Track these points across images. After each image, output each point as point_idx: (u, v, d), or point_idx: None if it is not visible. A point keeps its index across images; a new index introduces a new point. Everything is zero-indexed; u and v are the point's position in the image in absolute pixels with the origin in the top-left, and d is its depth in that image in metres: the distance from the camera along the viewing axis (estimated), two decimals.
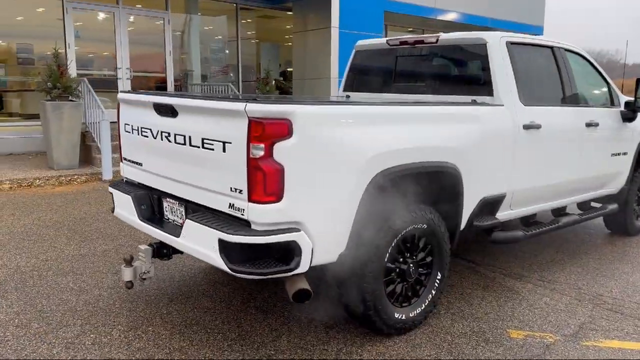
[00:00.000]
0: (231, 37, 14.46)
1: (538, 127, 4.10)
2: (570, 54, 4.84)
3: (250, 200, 2.63)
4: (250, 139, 2.58)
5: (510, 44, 4.13)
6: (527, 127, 4.00)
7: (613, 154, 5.09)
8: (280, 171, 2.59)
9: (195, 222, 2.86)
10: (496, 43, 4.00)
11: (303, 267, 2.74)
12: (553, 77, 4.52)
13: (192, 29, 14.06)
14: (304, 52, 14.08)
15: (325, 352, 3.14)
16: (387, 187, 3.10)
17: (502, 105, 3.91)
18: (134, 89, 12.60)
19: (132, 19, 12.59)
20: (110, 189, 3.71)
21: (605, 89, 5.21)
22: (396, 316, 3.27)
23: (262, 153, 2.57)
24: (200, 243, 2.83)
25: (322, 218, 2.78)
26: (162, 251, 3.44)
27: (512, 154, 3.93)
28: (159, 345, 3.14)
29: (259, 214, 2.62)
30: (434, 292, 3.50)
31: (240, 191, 2.67)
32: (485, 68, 3.98)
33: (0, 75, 11.76)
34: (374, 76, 4.93)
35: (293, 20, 14.41)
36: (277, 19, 15.61)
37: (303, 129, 2.64)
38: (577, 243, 5.55)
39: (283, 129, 2.59)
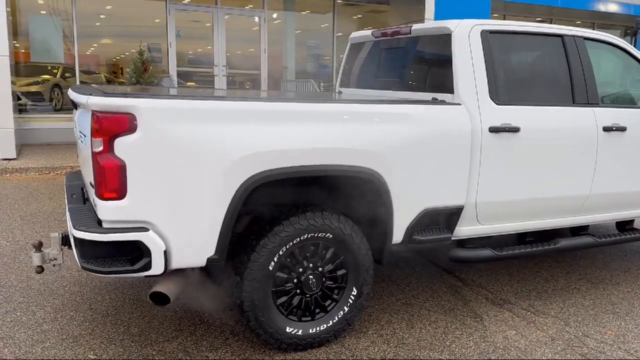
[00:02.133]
0: (327, 34, 14.49)
1: (515, 130, 3.49)
2: (597, 43, 4.04)
3: (96, 196, 2.59)
4: (92, 133, 2.54)
5: (489, 34, 3.57)
6: (495, 130, 3.42)
7: None
8: (120, 167, 2.51)
9: None
10: (462, 33, 3.48)
11: (156, 269, 2.63)
12: (557, 71, 3.81)
13: (288, 26, 14.36)
14: None
15: (206, 359, 3.00)
16: (271, 190, 2.86)
17: (460, 104, 3.39)
18: (229, 86, 13.27)
19: (229, 18, 13.21)
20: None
21: None
22: (288, 330, 3.01)
23: (101, 148, 2.51)
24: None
25: (176, 220, 2.64)
26: (69, 240, 3.52)
27: (472, 160, 3.38)
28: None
29: (103, 210, 2.57)
30: (346, 308, 3.15)
31: (93, 186, 2.65)
32: (448, 62, 3.48)
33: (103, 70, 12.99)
34: (363, 71, 4.58)
35: (390, 15, 14.04)
36: (377, 14, 15.30)
37: (148, 125, 2.52)
38: (615, 271, 4.64)
39: (124, 124, 2.50)
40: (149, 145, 2.54)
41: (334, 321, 3.13)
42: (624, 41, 4.12)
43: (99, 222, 2.62)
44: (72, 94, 3.07)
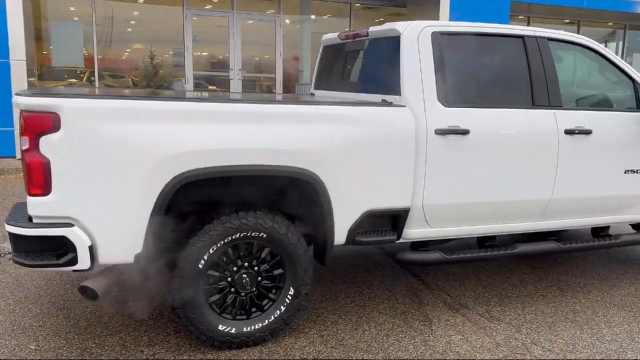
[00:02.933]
0: None
1: (464, 132, 3.44)
2: (564, 44, 3.95)
3: (26, 192, 2.70)
4: (20, 132, 2.65)
5: (442, 35, 3.53)
6: (442, 132, 3.38)
7: (629, 171, 4.00)
8: (45, 164, 2.61)
9: None
10: (411, 35, 3.46)
11: (83, 264, 2.72)
12: (516, 73, 3.75)
13: (304, 30, 14.45)
14: None
15: (141, 353, 3.07)
16: (200, 189, 2.92)
17: (405, 106, 3.37)
18: (244, 89, 13.44)
19: (245, 22, 13.40)
20: None
21: (627, 88, 4.12)
22: (221, 328, 3.05)
23: (27, 146, 2.62)
24: None
25: (102, 216, 2.72)
26: None
27: (417, 162, 3.36)
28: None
29: (31, 206, 2.68)
30: (283, 308, 3.17)
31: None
32: (398, 64, 3.47)
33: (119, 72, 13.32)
34: (332, 73, 4.59)
35: (408, 18, 13.97)
36: (394, 17, 15.23)
37: (72, 124, 2.62)
38: (591, 278, 4.49)
39: (47, 122, 2.60)
40: (73, 143, 2.63)
41: (270, 320, 3.15)
42: (595, 42, 4.00)
43: (30, 218, 2.73)
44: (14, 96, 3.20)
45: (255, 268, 3.11)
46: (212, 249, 2.96)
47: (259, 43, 13.89)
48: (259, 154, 2.94)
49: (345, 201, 3.21)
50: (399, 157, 3.31)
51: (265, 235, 3.04)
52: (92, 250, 2.71)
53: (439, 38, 3.51)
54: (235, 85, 13.21)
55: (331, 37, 4.56)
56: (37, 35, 11.68)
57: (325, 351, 3.15)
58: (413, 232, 3.53)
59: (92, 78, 12.54)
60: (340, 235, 3.28)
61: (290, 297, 3.18)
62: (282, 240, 3.08)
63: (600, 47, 4.01)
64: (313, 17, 14.50)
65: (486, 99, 3.63)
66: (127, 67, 12.88)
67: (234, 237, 2.99)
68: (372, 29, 3.83)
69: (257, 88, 13.97)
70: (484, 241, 3.90)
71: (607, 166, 3.93)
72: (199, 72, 12.96)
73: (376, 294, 4.01)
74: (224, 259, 3.04)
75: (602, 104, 4.19)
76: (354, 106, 3.27)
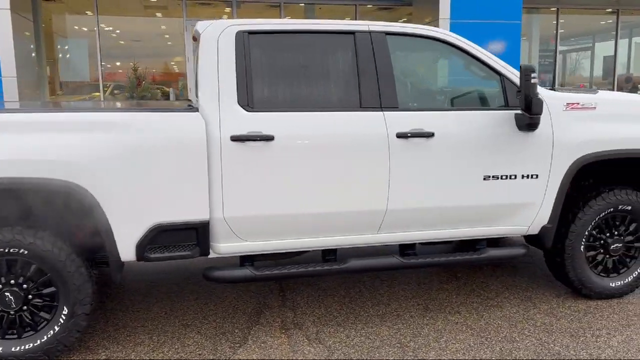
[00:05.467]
0: None
1: (267, 138, 3.16)
2: (411, 39, 3.57)
3: None
4: None
5: (250, 34, 3.29)
6: (240, 138, 3.12)
7: (489, 177, 3.54)
8: None
9: None
10: (210, 35, 3.24)
11: None
12: (340, 73, 3.41)
13: None
14: None
15: None
16: None
17: (197, 110, 3.15)
18: None
19: None
20: None
21: (494, 84, 3.66)
22: (13, 350, 2.97)
23: None
24: None
25: None
26: None
27: (212, 171, 3.12)
28: None
29: None
30: (57, 328, 3.03)
31: None
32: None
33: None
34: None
35: (414, 16, 13.47)
36: (397, 16, 14.74)
37: None
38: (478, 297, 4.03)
39: None
40: None
41: (43, 340, 3.02)
42: (454, 35, 3.57)
43: None
44: None
45: (23, 286, 2.99)
46: None
47: None
48: (12, 165, 2.83)
49: (126, 215, 3.03)
50: (188, 166, 3.08)
51: (27, 252, 2.92)
52: None
53: (245, 37, 3.26)
54: None
55: None
56: (48, 53, 12.32)
57: None
58: (223, 246, 3.28)
59: (116, 91, 13.04)
60: (126, 251, 3.10)
61: (64, 317, 3.03)
62: (47, 257, 2.95)
63: (459, 39, 3.57)
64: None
65: (298, 102, 3.31)
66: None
67: None
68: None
69: None
70: (325, 255, 3.58)
71: (459, 173, 3.48)
72: None
73: (217, 311, 3.78)
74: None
75: (457, 102, 3.75)
76: (128, 112, 3.09)
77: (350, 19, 13.84)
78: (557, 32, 15.17)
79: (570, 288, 3.94)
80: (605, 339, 3.34)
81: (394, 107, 3.41)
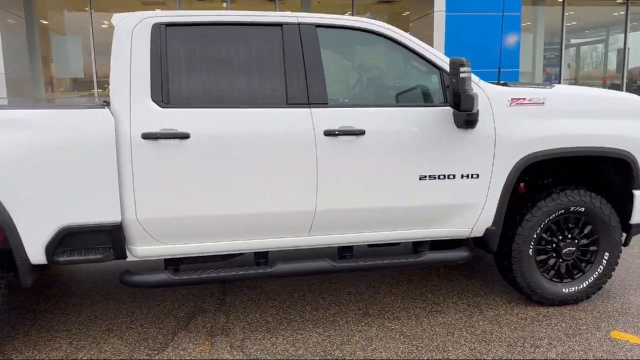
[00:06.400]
0: None
1: (182, 136, 3.02)
2: (347, 32, 3.39)
3: None
4: None
5: (168, 27, 3.14)
6: (152, 136, 2.98)
7: (425, 177, 3.35)
8: None
9: None
10: (125, 28, 3.11)
11: None
12: (264, 67, 3.23)
13: None
14: None
15: None
16: None
17: (105, 107, 3.01)
18: None
19: None
20: None
21: (432, 80, 3.46)
22: None
23: None
24: None
25: None
26: None
27: (122, 171, 2.98)
28: None
29: None
30: None
31: None
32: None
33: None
34: None
35: (410, 9, 13.22)
36: (397, 9, 14.49)
37: None
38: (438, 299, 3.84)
39: None
40: None
41: None
42: (390, 27, 3.38)
43: None
44: None
45: None
46: None
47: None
48: None
49: (32, 217, 2.91)
50: (96, 166, 2.95)
51: None
52: None
53: (162, 30, 3.12)
54: None
55: None
56: (43, 51, 12.36)
57: None
58: (141, 249, 3.15)
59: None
60: (35, 254, 2.98)
61: None
62: None
63: (395, 32, 3.38)
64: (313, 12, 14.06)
65: (219, 98, 3.15)
66: None
67: None
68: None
69: None
70: (257, 258, 3.43)
71: (393, 172, 3.29)
72: None
73: (148, 315, 3.66)
74: None
75: (392, 98, 3.54)
76: (29, 110, 2.97)
77: (349, 13, 13.64)
78: (563, 25, 14.73)
79: (521, 293, 3.73)
80: (544, 350, 3.13)
81: (323, 104, 3.23)
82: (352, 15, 13.60)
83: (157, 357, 3.10)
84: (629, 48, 15.19)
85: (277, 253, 3.44)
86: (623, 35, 15.10)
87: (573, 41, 16.37)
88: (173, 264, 3.31)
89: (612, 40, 16.30)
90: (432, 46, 12.04)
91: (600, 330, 3.35)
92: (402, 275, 4.31)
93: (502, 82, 3.71)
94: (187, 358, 3.09)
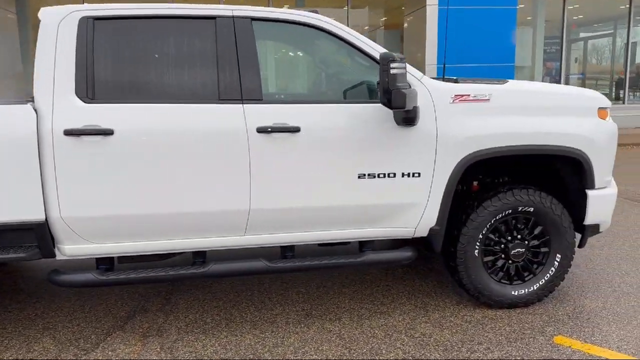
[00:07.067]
0: None
1: (106, 132, 2.95)
2: (286, 25, 3.29)
3: None
4: None
5: (96, 20, 3.08)
6: (74, 132, 2.91)
7: (365, 175, 3.25)
8: None
9: None
10: (50, 22, 3.04)
11: None
12: (196, 62, 3.15)
13: None
14: (409, 37, 12.71)
15: None
16: None
17: (27, 103, 2.95)
18: None
19: None
20: None
21: (373, 75, 3.34)
22: None
23: None
24: None
25: None
26: None
27: (44, 168, 2.92)
28: None
29: None
30: None
31: None
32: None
33: None
34: None
35: (405, 2, 13.04)
36: (399, 4, 14.30)
37: None
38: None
39: None
40: None
41: None
42: (330, 21, 3.28)
43: None
44: None
45: None
46: None
47: None
48: None
49: None
50: (16, 162, 2.89)
51: None
52: None
53: (90, 24, 3.04)
54: None
55: None
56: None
57: None
58: (68, 248, 3.10)
59: None
60: None
61: None
62: None
63: (336, 25, 3.27)
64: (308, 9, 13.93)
65: (147, 94, 3.07)
66: None
67: None
68: None
69: None
70: (195, 258, 3.36)
71: (330, 171, 3.20)
72: None
73: (88, 313, 3.61)
74: None
75: (332, 94, 3.45)
76: None
77: (343, 7, 13.50)
78: (564, 18, 14.47)
79: (468, 295, 3.63)
80: (480, 354, 3.03)
81: (257, 100, 3.14)
82: (350, 11, 13.50)
83: (83, 358, 3.05)
84: (633, 42, 14.89)
85: (215, 253, 3.36)
86: (626, 29, 14.81)
87: (582, 35, 16.08)
88: (105, 263, 3.25)
89: (620, 34, 15.92)
90: (425, 41, 11.92)
91: (545, 335, 3.24)
92: (357, 275, 4.22)
93: (454, 78, 3.58)
94: (113, 359, 3.03)
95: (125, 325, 3.44)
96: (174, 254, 3.35)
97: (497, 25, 11.88)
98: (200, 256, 3.35)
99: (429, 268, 4.35)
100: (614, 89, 15.46)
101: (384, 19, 15.76)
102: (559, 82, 14.73)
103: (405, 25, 13.06)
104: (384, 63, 2.92)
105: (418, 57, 11.73)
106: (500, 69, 11.97)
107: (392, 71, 2.90)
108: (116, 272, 3.16)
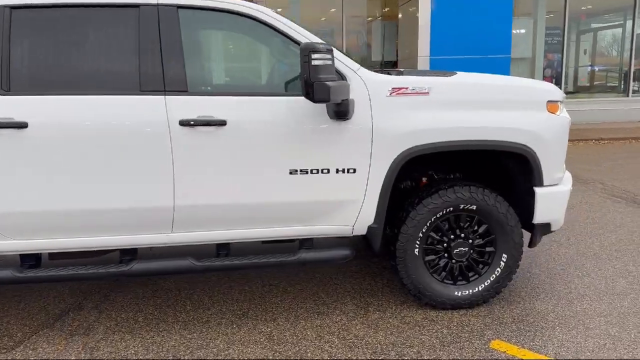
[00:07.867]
0: (337, 18, 13.67)
1: (20, 125, 2.85)
2: (214, 14, 3.16)
3: None
4: None
5: (14, 9, 2.98)
6: None
7: (296, 171, 3.12)
8: None
9: None
10: None
11: None
12: (116, 51, 3.03)
13: (295, 17, 13.80)
14: (404, 28, 12.50)
15: None
16: None
17: None
18: None
19: None
20: None
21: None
22: None
23: None
24: None
25: None
26: None
27: None
28: None
29: None
30: None
31: None
32: None
33: None
34: None
35: None
36: None
37: None
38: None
39: None
40: None
41: None
42: (262, 9, 3.13)
43: None
44: None
45: None
46: None
47: None
48: None
49: None
50: None
51: None
52: None
53: (7, 13, 2.94)
54: None
55: None
56: None
57: None
58: None
59: None
60: None
61: None
62: None
63: (267, 14, 3.13)
64: (302, 2, 13.77)
65: (65, 85, 2.95)
66: None
67: None
68: None
69: None
70: (122, 255, 3.27)
71: (259, 166, 3.07)
72: None
73: (21, 310, 3.54)
74: None
75: (262, 86, 3.32)
76: None
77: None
78: (565, 9, 14.13)
79: (410, 295, 3.49)
80: (408, 358, 2.90)
81: (182, 91, 3.03)
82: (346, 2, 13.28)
83: (1, 357, 2.97)
84: (638, 34, 14.51)
85: (144, 250, 3.26)
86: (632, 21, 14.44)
87: (593, 25, 15.70)
88: (30, 259, 3.16)
89: (629, 25, 15.49)
90: (418, 32, 11.70)
91: (482, 339, 3.10)
92: (307, 273, 4.10)
93: (398, 69, 3.43)
94: (31, 359, 2.95)
95: (56, 323, 3.36)
96: (106, 252, 3.26)
97: (492, 15, 11.60)
98: (129, 254, 3.25)
99: (383, 267, 4.22)
100: (622, 81, 15.05)
101: (385, 9, 15.52)
102: (560, 74, 14.43)
103: (400, 16, 12.83)
104: (304, 54, 2.77)
105: (412, 48, 11.53)
106: (495, 60, 11.71)
107: (313, 62, 2.76)
108: (36, 269, 3.07)
